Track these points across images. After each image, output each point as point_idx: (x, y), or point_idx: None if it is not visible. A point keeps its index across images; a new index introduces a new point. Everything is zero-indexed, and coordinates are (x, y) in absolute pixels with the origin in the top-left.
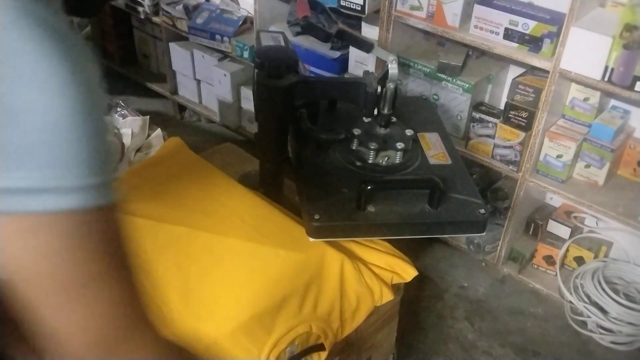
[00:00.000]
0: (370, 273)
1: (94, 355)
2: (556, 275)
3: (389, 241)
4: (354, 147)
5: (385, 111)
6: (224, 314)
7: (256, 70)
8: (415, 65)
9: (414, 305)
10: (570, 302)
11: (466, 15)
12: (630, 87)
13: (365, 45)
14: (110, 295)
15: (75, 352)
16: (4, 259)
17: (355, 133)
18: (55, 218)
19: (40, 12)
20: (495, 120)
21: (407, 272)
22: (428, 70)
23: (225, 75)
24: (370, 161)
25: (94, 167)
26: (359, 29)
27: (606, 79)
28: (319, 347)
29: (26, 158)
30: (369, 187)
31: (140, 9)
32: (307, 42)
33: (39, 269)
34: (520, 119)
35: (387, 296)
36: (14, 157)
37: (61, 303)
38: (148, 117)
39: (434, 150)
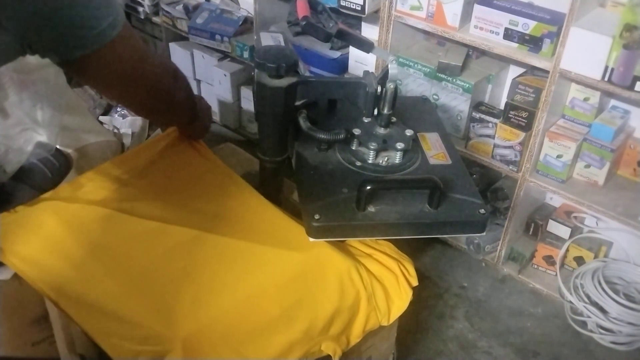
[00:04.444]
0: (379, 289)
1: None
2: (556, 275)
3: (390, 241)
4: (354, 147)
5: (385, 111)
6: (235, 322)
7: (256, 70)
8: (415, 65)
9: (414, 305)
10: (570, 302)
11: (466, 15)
12: (630, 87)
13: (365, 45)
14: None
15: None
16: (103, 81)
17: (355, 133)
18: (116, 41)
19: None
20: (495, 120)
21: (413, 277)
22: (428, 70)
23: (225, 75)
24: (370, 161)
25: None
26: (359, 29)
27: (606, 79)
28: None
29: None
30: (369, 187)
31: (140, 9)
32: (307, 42)
33: (126, 67)
34: (520, 119)
35: (394, 316)
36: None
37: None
38: None
39: (434, 150)
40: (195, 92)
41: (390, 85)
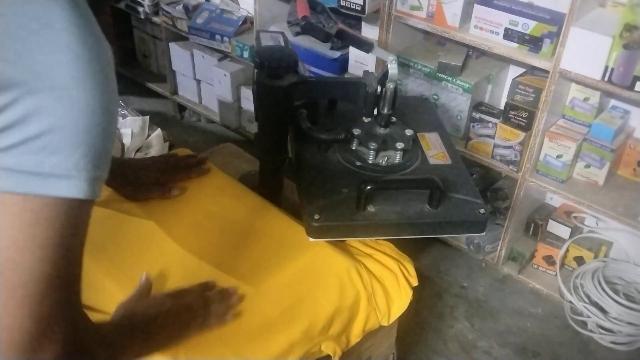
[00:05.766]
0: (379, 289)
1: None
2: (556, 275)
3: (390, 241)
4: (354, 147)
5: (385, 111)
6: (235, 323)
7: (256, 70)
8: (415, 65)
9: (414, 305)
10: (570, 302)
11: (466, 15)
12: (630, 87)
13: (365, 45)
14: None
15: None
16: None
17: (355, 133)
18: (48, 202)
19: None
20: (495, 120)
21: (413, 277)
22: (428, 70)
23: (225, 75)
24: (370, 161)
25: (97, 160)
26: (359, 29)
27: (606, 79)
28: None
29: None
30: (369, 187)
31: (140, 9)
32: (307, 42)
33: (15, 248)
34: (520, 119)
35: (394, 316)
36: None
37: (18, 294)
38: (148, 117)
39: (434, 150)
40: (196, 91)
41: (390, 85)
